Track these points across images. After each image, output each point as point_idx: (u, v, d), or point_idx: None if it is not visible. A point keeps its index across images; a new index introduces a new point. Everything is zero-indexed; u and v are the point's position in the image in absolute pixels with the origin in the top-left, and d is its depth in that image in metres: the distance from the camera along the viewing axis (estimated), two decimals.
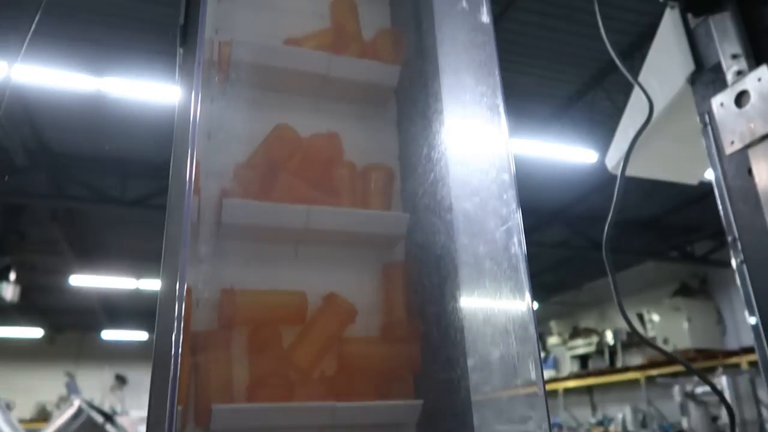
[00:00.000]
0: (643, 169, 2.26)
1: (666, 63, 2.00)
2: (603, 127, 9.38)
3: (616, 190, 1.55)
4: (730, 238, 1.70)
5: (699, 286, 11.22)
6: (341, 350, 1.11)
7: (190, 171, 0.88)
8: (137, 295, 13.62)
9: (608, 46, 1.84)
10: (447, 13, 1.21)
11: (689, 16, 1.87)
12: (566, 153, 8.69)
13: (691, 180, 2.37)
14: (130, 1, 6.87)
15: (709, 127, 1.80)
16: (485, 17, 1.05)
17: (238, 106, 1.29)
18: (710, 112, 1.78)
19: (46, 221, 10.66)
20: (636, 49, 8.12)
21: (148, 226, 11.76)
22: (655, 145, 2.13)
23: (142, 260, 12.28)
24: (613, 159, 2.31)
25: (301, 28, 1.38)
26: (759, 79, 1.60)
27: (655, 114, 2.03)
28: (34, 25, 1.18)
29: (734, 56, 1.71)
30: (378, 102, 1.38)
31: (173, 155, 1.06)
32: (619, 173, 1.58)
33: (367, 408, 1.05)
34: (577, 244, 11.37)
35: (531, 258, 0.88)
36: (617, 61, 1.79)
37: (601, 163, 10.23)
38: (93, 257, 12.24)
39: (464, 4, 1.11)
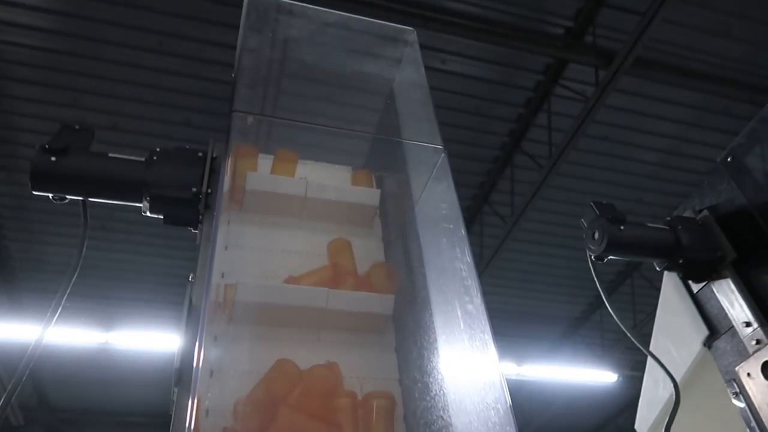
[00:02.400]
0: None
1: (677, 326, 1.96)
2: (617, 345, 9.21)
3: None
4: None
5: None
6: None
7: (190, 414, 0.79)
8: None
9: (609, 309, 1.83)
10: (434, 252, 1.26)
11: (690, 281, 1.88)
12: (585, 374, 8.37)
13: None
14: (138, 256, 7.23)
15: (741, 396, 1.69)
16: (468, 257, 1.06)
17: (241, 342, 1.34)
18: (739, 382, 1.68)
19: None
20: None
21: None
22: (683, 413, 1.99)
23: None
24: (642, 426, 2.15)
25: (300, 268, 1.47)
26: None
27: (679, 381, 1.93)
28: (69, 288, 1.23)
29: (747, 324, 1.67)
30: (375, 330, 1.42)
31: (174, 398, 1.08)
32: None
33: None
34: None
35: None
36: (631, 337, 1.75)
37: (622, 383, 9.80)
38: None
39: (446, 244, 1.16)
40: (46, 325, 1.23)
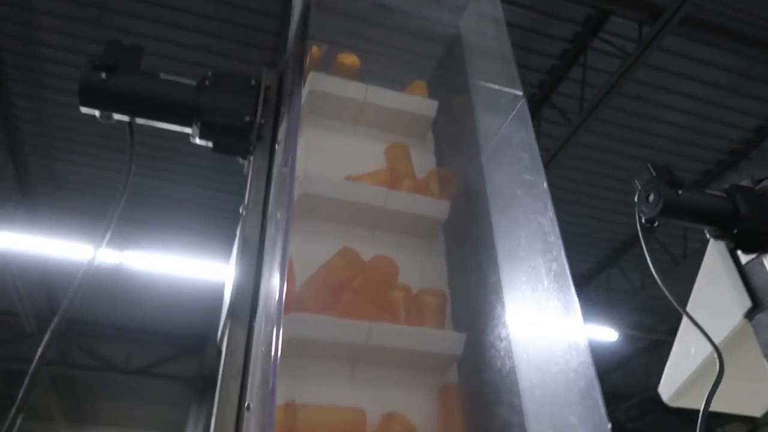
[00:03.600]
0: (697, 401, 2.10)
1: (718, 296, 1.93)
2: (622, 305, 9.29)
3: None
4: None
5: None
6: None
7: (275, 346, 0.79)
8: None
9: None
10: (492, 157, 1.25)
11: (739, 251, 1.84)
12: (588, 331, 8.49)
13: (755, 412, 2.19)
14: (156, 180, 7.24)
15: None
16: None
17: (300, 234, 1.34)
18: None
19: (44, 388, 10.27)
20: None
21: (147, 395, 11.31)
22: (710, 380, 1.99)
23: (134, 430, 11.60)
24: (667, 390, 2.16)
25: (358, 170, 1.47)
26: None
27: (711, 352, 1.92)
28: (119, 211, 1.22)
29: None
30: (429, 234, 1.42)
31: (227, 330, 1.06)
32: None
33: None
34: None
35: None
36: (671, 298, 1.74)
37: (622, 341, 9.96)
38: (84, 425, 11.57)
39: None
40: (97, 247, 1.21)
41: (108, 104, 1.35)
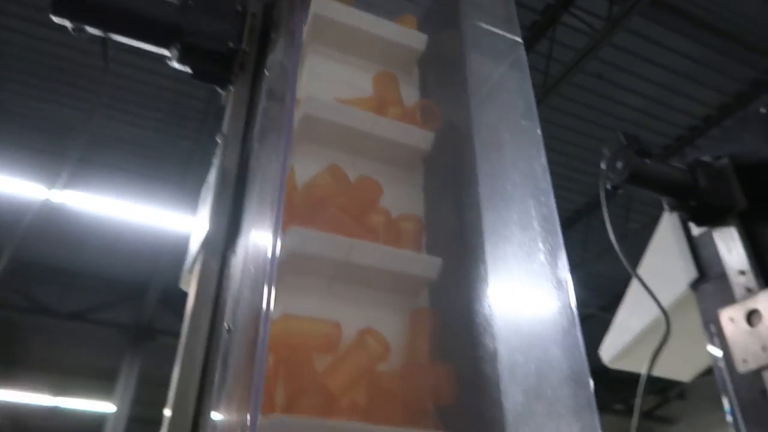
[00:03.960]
0: (637, 364, 2.21)
1: (666, 265, 2.02)
2: (578, 270, 9.63)
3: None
4: None
5: None
6: (370, 382, 1.08)
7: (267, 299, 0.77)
8: (54, 414, 12.37)
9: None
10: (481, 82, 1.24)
11: (691, 224, 1.91)
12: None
13: (684, 377, 2.33)
14: (106, 120, 6.93)
15: (716, 338, 1.78)
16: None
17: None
18: (718, 324, 1.76)
19: None
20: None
21: (81, 341, 11.04)
22: (652, 344, 2.10)
23: (64, 375, 11.33)
24: (609, 352, 2.26)
25: (345, 95, 1.42)
26: None
27: (655, 317, 2.02)
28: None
29: (741, 272, 1.73)
30: (409, 165, 1.42)
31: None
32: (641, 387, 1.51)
33: None
34: None
35: None
36: (620, 253, 1.80)
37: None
38: (14, 368, 11.21)
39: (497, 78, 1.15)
40: (48, 186, 1.14)
41: (83, 15, 1.26)
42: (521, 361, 0.84)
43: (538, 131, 0.94)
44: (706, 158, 1.88)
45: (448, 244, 1.15)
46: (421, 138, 1.31)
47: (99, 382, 11.46)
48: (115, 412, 10.20)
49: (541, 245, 0.85)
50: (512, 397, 0.85)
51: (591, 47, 5.50)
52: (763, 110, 1.87)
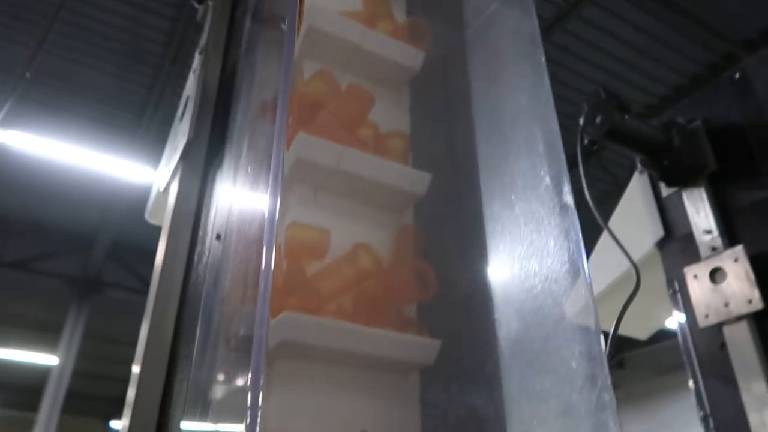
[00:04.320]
0: (601, 320, 2.27)
1: (633, 225, 2.06)
2: None
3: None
4: (701, 414, 1.68)
5: None
6: (359, 290, 1.06)
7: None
8: None
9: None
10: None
11: (661, 184, 1.95)
12: None
13: (642, 335, 2.41)
14: (60, 60, 6.57)
15: (679, 295, 1.84)
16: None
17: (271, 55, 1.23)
18: (682, 281, 1.81)
19: None
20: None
21: (23, 291, 10.63)
22: (616, 300, 2.15)
23: (6, 326, 10.97)
24: (573, 308, 2.30)
25: (334, 8, 1.35)
26: (736, 260, 1.66)
27: (620, 273, 2.07)
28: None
29: (707, 231, 1.78)
30: (396, 84, 1.36)
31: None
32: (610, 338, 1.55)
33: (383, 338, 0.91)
34: None
35: None
36: (596, 214, 1.82)
37: None
38: None
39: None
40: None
41: None
42: (516, 281, 0.83)
43: (542, 58, 0.91)
44: (680, 120, 1.91)
45: (436, 166, 1.12)
46: (410, 56, 1.26)
47: (43, 334, 11.12)
48: (59, 365, 9.94)
49: (542, 171, 0.84)
50: (505, 319, 0.84)
51: (559, 17, 5.51)
52: (737, 75, 1.90)
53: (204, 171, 0.96)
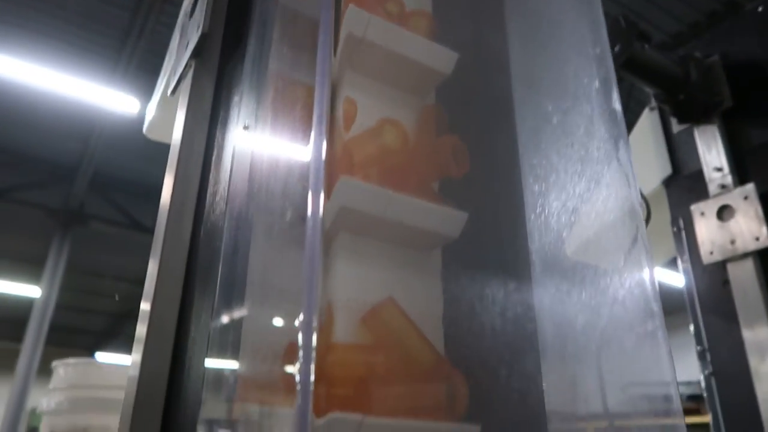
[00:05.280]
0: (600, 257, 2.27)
1: (640, 162, 2.03)
2: None
3: None
4: (698, 348, 1.70)
5: None
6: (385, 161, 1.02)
7: None
8: None
9: None
10: None
11: (673, 121, 1.91)
12: None
13: None
14: None
15: (684, 233, 1.83)
16: None
17: None
18: (687, 218, 1.80)
19: None
20: None
21: (2, 223, 10.46)
22: None
23: None
24: (572, 246, 2.30)
25: None
26: (745, 198, 1.64)
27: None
28: None
29: (718, 169, 1.75)
30: None
31: None
32: None
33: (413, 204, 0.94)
34: None
35: None
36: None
37: None
38: None
39: None
40: None
41: None
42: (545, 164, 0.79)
43: None
44: (697, 54, 1.85)
45: (461, 48, 1.05)
46: None
47: (26, 266, 11.04)
48: (42, 297, 9.93)
49: (587, 78, 0.79)
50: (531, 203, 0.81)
51: None
52: (759, 8, 1.83)
53: (220, 68, 0.88)
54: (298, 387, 0.62)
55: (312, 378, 0.62)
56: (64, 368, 3.07)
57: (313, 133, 0.71)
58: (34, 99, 7.28)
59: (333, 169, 0.85)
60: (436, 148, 1.00)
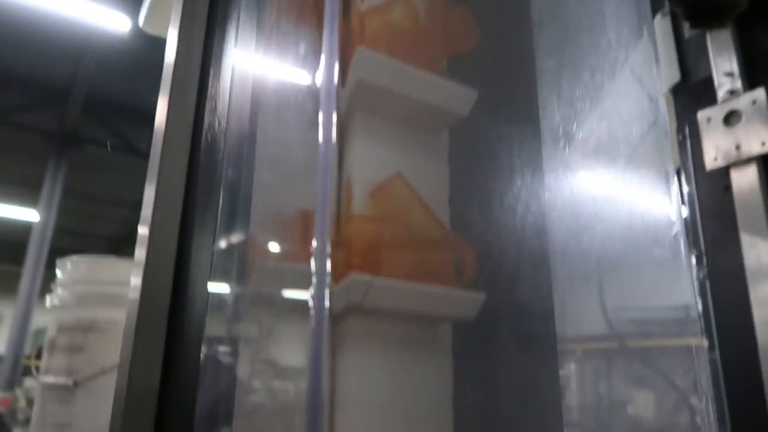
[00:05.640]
0: None
1: (650, 69, 1.99)
2: None
3: None
4: (695, 252, 1.73)
5: None
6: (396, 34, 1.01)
7: None
8: None
9: None
10: None
11: (685, 26, 1.86)
12: None
13: None
14: None
15: (689, 141, 1.82)
16: None
17: None
18: (693, 125, 1.79)
19: None
20: None
21: None
22: None
23: None
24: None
25: None
26: (754, 102, 1.62)
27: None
28: None
29: (728, 74, 1.73)
30: None
31: None
32: None
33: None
34: None
35: None
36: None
37: None
38: None
39: None
40: None
41: None
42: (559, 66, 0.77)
43: None
44: None
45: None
46: None
47: (23, 189, 11.03)
48: (41, 221, 9.97)
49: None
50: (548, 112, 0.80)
51: None
52: None
53: None
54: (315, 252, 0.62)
55: (328, 244, 0.63)
56: (71, 264, 3.12)
57: (327, 3, 0.69)
58: (22, 16, 7.03)
59: (351, 40, 0.82)
60: (446, 21, 0.97)
